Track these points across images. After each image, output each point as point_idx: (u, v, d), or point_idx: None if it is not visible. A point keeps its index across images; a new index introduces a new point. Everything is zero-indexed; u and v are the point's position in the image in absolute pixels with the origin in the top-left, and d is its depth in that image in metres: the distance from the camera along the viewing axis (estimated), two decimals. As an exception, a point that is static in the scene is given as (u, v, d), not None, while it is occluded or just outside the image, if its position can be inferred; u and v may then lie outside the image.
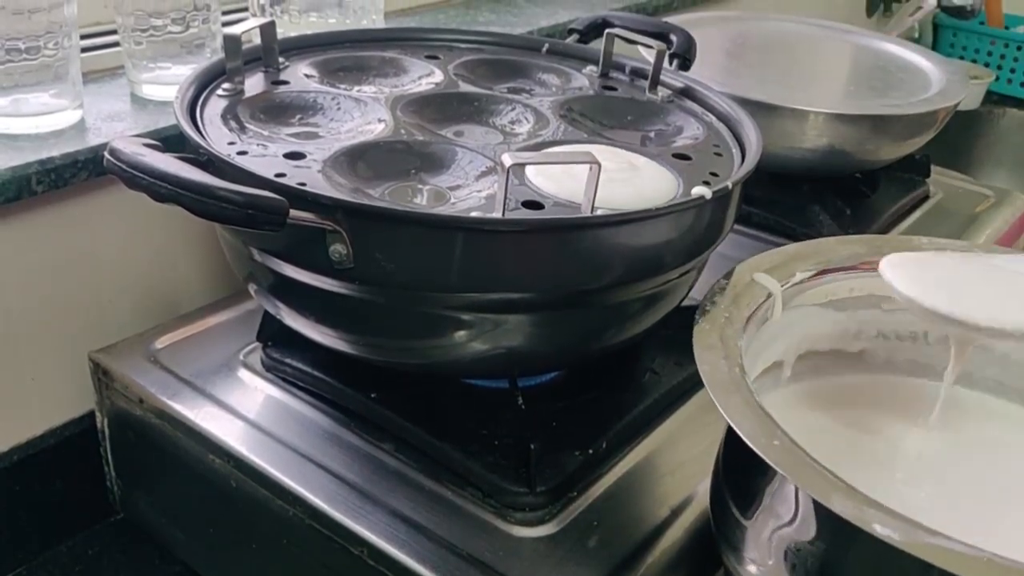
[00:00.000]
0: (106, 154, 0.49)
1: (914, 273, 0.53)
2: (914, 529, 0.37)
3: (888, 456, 0.55)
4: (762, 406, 0.44)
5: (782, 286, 0.54)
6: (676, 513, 0.56)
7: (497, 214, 0.50)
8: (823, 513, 0.41)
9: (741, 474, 0.48)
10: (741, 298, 0.52)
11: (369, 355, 0.58)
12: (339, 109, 0.64)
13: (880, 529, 0.37)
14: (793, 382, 0.58)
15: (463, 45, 0.79)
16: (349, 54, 0.73)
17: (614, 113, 0.70)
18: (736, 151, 0.65)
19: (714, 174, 0.60)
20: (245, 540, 0.62)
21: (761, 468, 0.44)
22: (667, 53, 0.74)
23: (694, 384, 0.66)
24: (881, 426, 0.57)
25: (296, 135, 0.60)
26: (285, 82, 0.66)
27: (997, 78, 1.65)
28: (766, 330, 0.54)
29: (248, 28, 0.64)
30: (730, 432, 0.50)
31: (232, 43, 0.63)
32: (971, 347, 0.54)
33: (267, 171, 0.52)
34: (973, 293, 0.52)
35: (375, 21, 0.87)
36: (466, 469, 0.56)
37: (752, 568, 0.46)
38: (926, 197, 1.00)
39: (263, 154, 0.56)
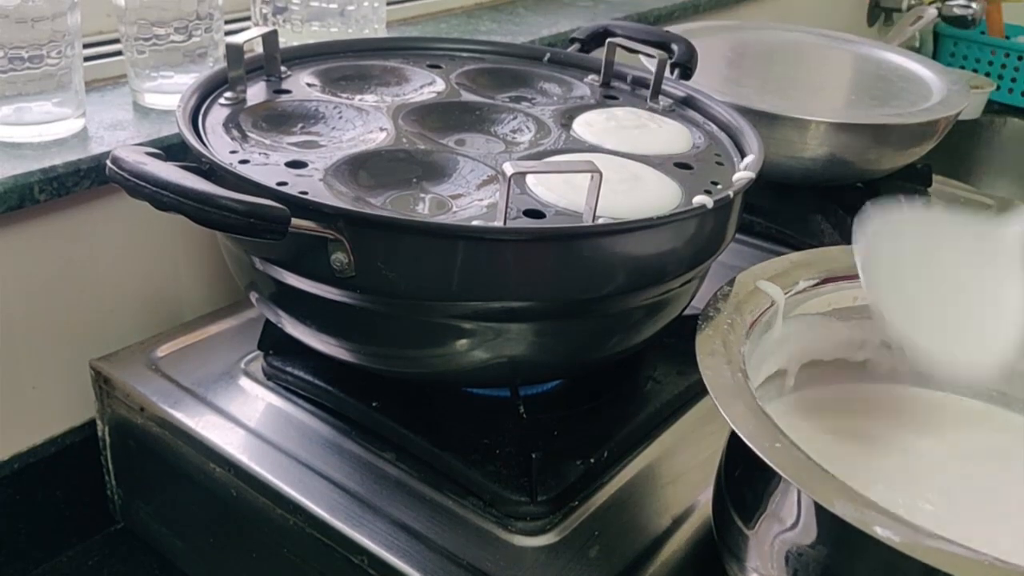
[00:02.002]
0: (108, 163, 0.49)
1: (890, 268, 0.51)
2: (914, 532, 0.37)
3: (892, 467, 0.54)
4: (764, 410, 0.44)
5: (785, 294, 0.54)
6: (678, 522, 0.56)
7: (499, 223, 0.50)
8: (825, 518, 0.41)
9: (743, 481, 0.47)
10: (744, 305, 0.52)
11: (370, 364, 0.58)
12: (341, 118, 0.64)
13: (881, 531, 0.37)
14: (796, 391, 0.58)
15: (465, 54, 0.79)
16: (351, 63, 0.73)
17: (616, 122, 0.70)
18: (738, 160, 0.65)
19: (715, 183, 0.60)
20: (246, 549, 0.61)
21: (764, 475, 0.44)
22: (668, 62, 0.74)
23: (696, 393, 0.66)
24: (885, 437, 0.56)
25: (298, 144, 0.60)
26: (287, 91, 0.67)
27: (998, 88, 1.65)
28: (769, 338, 0.53)
29: (250, 37, 0.64)
30: (732, 439, 0.50)
31: (234, 52, 0.63)
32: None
33: (269, 180, 0.52)
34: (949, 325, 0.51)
35: (377, 30, 0.87)
36: (467, 478, 0.56)
37: (754, 577, 0.46)
38: (927, 206, 1.00)
39: (265, 163, 0.56)
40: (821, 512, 0.41)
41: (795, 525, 0.42)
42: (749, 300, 0.53)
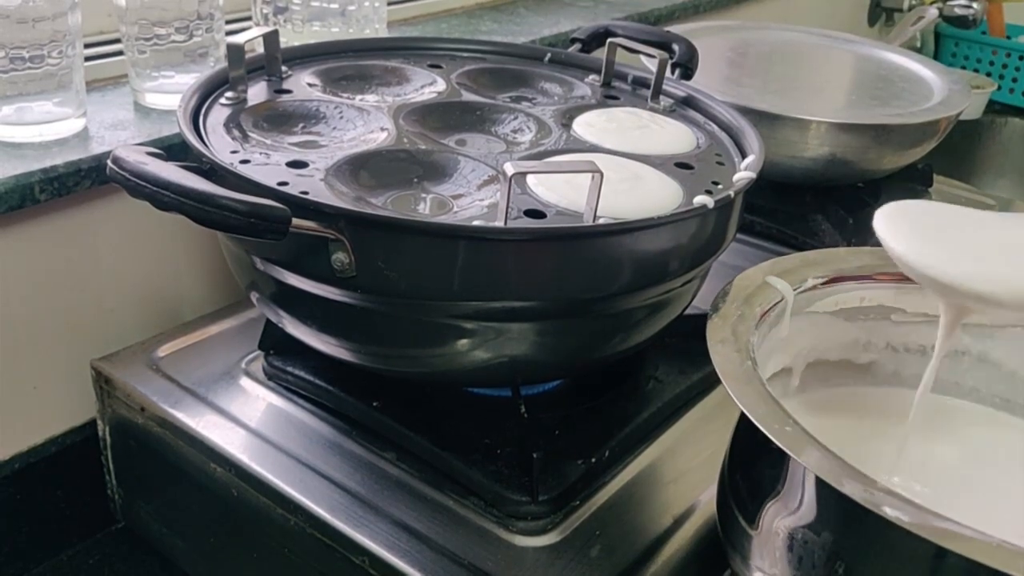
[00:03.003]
0: (109, 162, 0.49)
1: (911, 228, 0.49)
2: (924, 512, 0.37)
3: (894, 469, 0.54)
4: (773, 395, 0.44)
5: (794, 291, 0.54)
6: (679, 522, 0.56)
7: (500, 223, 0.50)
8: (832, 502, 0.41)
9: (749, 471, 0.48)
10: (753, 299, 0.52)
11: (371, 364, 0.58)
12: (342, 118, 0.64)
13: (890, 511, 0.37)
14: (801, 392, 0.58)
15: (466, 54, 0.79)
16: (352, 63, 0.73)
17: (616, 122, 0.70)
18: (738, 160, 0.65)
19: (716, 183, 0.60)
20: (246, 549, 0.61)
21: (771, 461, 0.44)
22: (669, 62, 0.74)
23: (697, 393, 0.66)
24: (888, 440, 0.56)
25: (299, 144, 0.60)
26: (288, 91, 0.67)
27: (999, 88, 1.65)
28: (776, 334, 0.53)
29: (251, 37, 0.64)
30: (739, 429, 0.50)
31: (235, 52, 0.63)
32: (961, 321, 0.49)
33: (270, 180, 0.52)
34: (974, 255, 0.48)
35: (378, 30, 0.87)
36: (468, 478, 0.56)
37: (759, 575, 0.46)
38: (928, 206, 1.00)
39: (266, 163, 0.56)
40: (828, 496, 0.41)
41: (801, 511, 0.43)
42: (758, 294, 0.53)
